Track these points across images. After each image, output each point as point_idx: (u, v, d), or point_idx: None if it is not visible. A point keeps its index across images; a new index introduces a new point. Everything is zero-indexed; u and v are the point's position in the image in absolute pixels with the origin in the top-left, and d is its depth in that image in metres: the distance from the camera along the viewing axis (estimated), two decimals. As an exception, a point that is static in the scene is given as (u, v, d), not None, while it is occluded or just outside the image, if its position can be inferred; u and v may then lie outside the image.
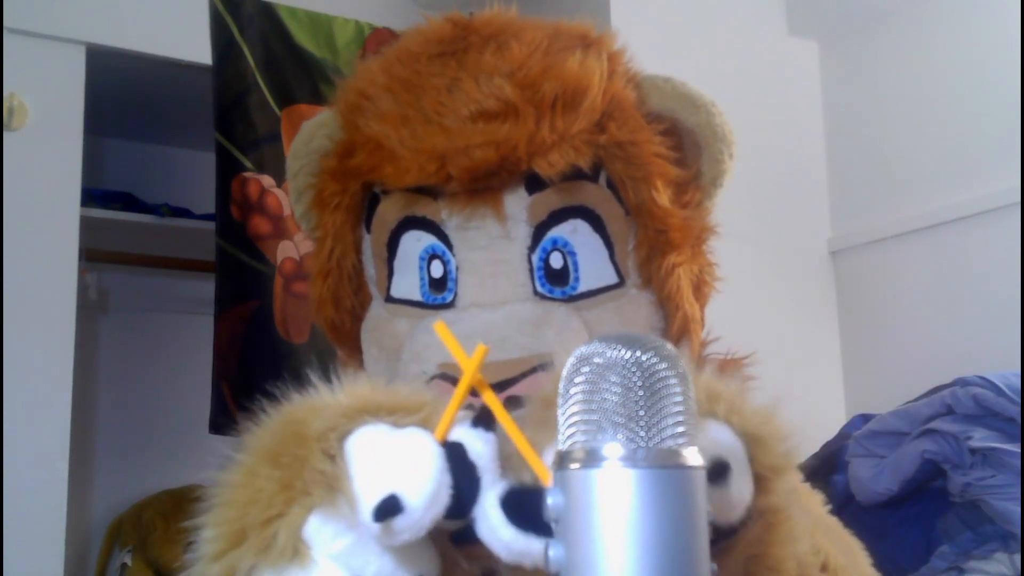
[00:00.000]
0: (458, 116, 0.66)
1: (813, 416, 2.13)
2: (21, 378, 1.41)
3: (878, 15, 2.18)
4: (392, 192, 0.70)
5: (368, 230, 0.74)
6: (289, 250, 1.63)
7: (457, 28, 0.72)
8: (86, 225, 1.57)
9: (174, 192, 2.13)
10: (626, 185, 0.70)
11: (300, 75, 1.69)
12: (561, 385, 0.48)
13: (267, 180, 1.62)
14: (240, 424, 1.50)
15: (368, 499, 0.49)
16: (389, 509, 0.48)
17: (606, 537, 0.43)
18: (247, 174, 1.60)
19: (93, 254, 1.81)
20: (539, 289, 0.69)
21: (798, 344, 2.21)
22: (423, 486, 0.49)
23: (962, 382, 1.42)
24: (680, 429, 0.46)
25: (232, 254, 1.59)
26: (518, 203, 0.69)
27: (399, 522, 0.48)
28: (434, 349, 0.65)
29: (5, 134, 1.46)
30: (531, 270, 0.70)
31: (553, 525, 0.46)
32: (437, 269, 0.71)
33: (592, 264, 0.71)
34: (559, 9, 2.46)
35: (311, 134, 0.77)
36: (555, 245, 0.70)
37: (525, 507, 0.50)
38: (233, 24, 1.63)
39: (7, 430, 1.39)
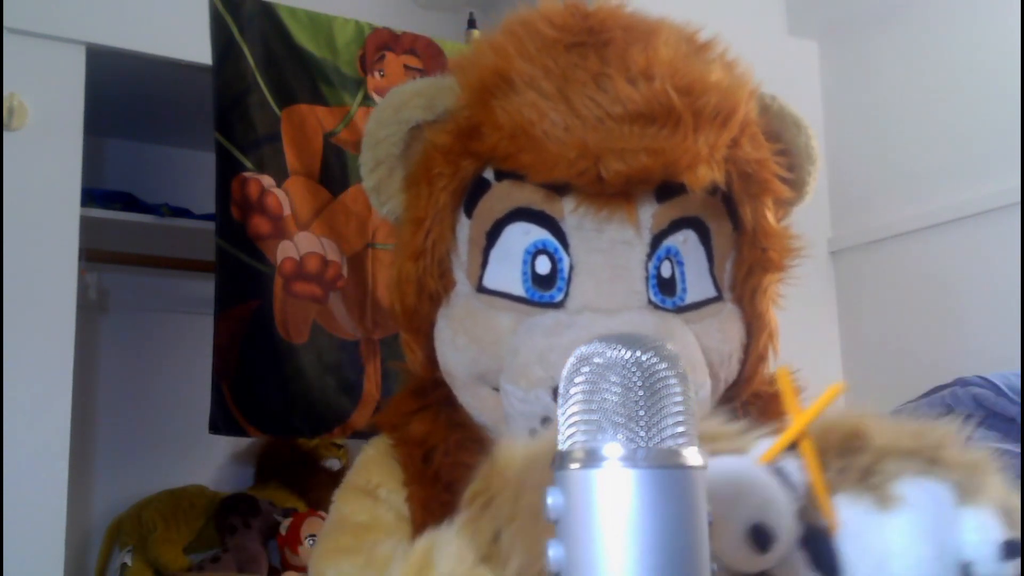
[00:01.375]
0: (612, 114, 0.63)
1: (813, 416, 2.13)
2: (21, 378, 1.41)
3: (878, 15, 2.18)
4: (510, 180, 0.67)
5: (468, 215, 0.71)
6: (289, 250, 1.63)
7: (582, 18, 0.70)
8: (86, 225, 1.57)
9: (174, 192, 2.13)
10: (744, 201, 0.70)
11: (300, 75, 1.69)
12: (561, 385, 0.48)
13: (267, 180, 1.62)
14: (240, 424, 1.49)
15: (736, 528, 0.47)
16: (761, 539, 0.46)
17: (606, 537, 0.43)
18: (247, 174, 1.60)
19: (93, 254, 1.81)
20: (652, 298, 0.69)
21: (798, 344, 2.20)
22: (786, 515, 0.47)
23: (962, 382, 1.42)
24: (680, 429, 0.46)
25: (232, 254, 1.59)
26: (647, 210, 0.68)
27: (773, 551, 0.46)
28: (560, 354, 0.62)
29: (5, 134, 1.46)
30: (647, 278, 0.69)
31: (553, 525, 0.46)
32: (543, 265, 0.68)
33: (695, 276, 0.71)
34: (559, 9, 2.46)
35: (403, 102, 0.73)
36: (668, 254, 0.69)
37: (823, 553, 0.48)
38: (233, 24, 1.63)
39: (7, 430, 1.39)
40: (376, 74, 1.76)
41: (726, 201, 0.71)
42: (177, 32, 1.62)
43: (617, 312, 0.67)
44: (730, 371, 0.72)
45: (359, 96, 1.74)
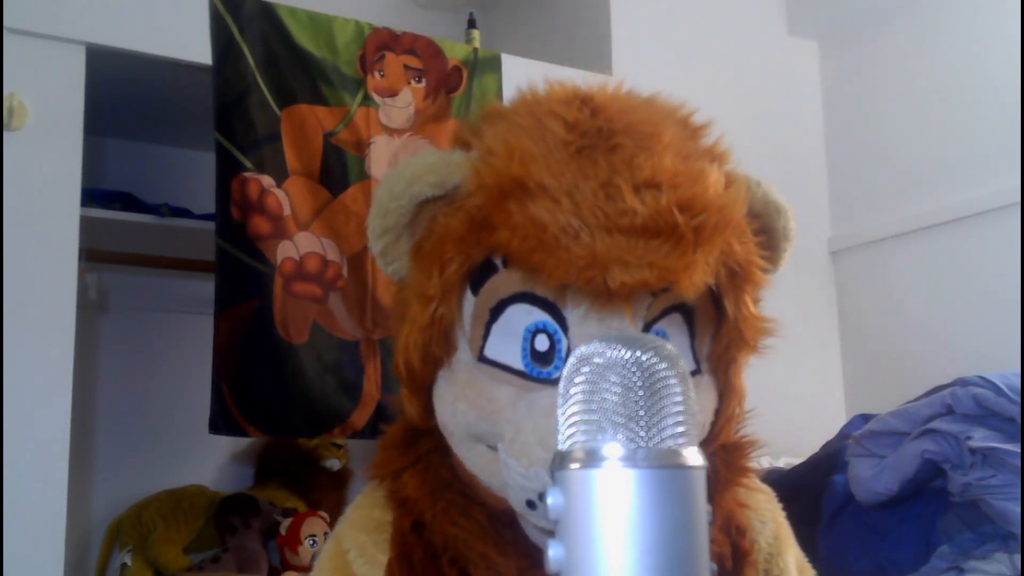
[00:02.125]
0: (619, 225, 0.68)
1: (813, 416, 2.13)
2: (21, 378, 1.41)
3: (878, 15, 2.18)
4: (523, 270, 0.73)
5: (474, 292, 0.77)
6: (289, 250, 1.63)
7: (591, 113, 0.75)
8: (86, 225, 1.57)
9: (174, 192, 2.12)
10: (728, 294, 0.76)
11: (300, 75, 1.69)
12: (561, 385, 0.48)
13: (267, 180, 1.62)
14: (240, 424, 1.53)
15: None
16: None
17: (606, 537, 0.43)
18: (247, 174, 1.60)
19: (93, 254, 1.81)
20: None
21: (798, 344, 2.21)
22: None
23: (962, 382, 1.42)
24: (680, 429, 0.46)
25: (232, 254, 1.59)
26: (642, 302, 0.73)
27: None
28: (555, 435, 0.68)
29: (5, 134, 1.45)
30: None
31: (553, 525, 0.46)
32: (542, 343, 0.74)
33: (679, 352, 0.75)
34: (560, 10, 2.47)
35: (413, 177, 0.77)
36: (656, 335, 0.72)
37: None
38: (233, 24, 1.63)
39: (7, 430, 1.39)
40: (376, 74, 1.76)
41: (711, 288, 0.77)
42: (177, 32, 1.62)
43: None
44: (703, 434, 0.78)
45: (359, 96, 1.74)
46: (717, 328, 0.78)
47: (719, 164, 0.78)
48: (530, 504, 0.71)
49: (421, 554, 0.77)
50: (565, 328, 0.73)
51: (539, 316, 0.74)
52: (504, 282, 0.74)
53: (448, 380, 0.78)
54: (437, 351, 0.77)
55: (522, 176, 0.71)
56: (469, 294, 0.77)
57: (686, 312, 0.76)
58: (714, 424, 0.80)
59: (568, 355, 0.72)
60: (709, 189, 0.72)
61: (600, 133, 0.73)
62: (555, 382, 0.70)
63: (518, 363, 0.74)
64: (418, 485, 0.79)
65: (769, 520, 0.88)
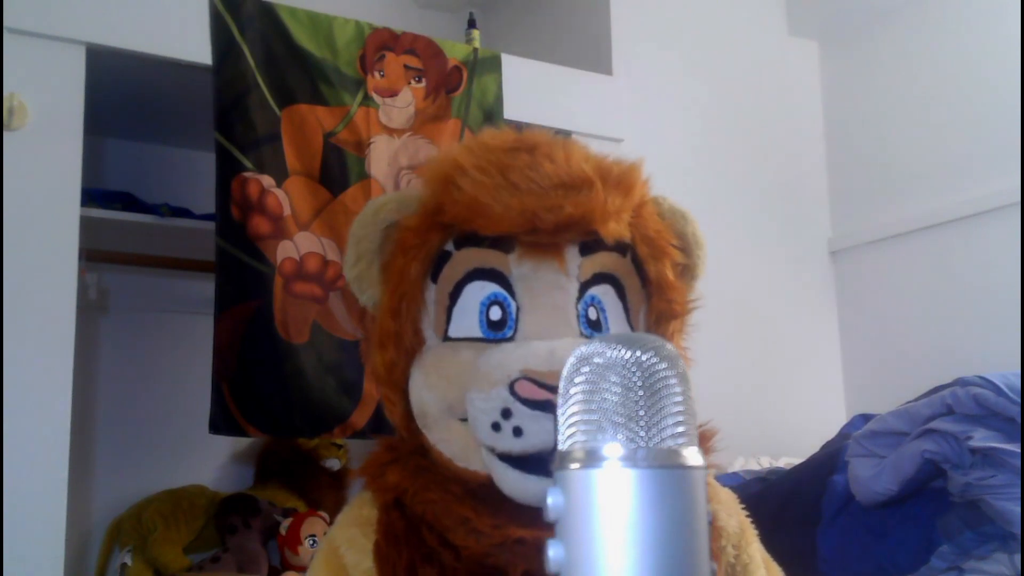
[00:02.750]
0: (543, 185, 0.83)
1: (813, 416, 2.13)
2: (21, 378, 1.41)
3: (878, 15, 2.19)
4: (466, 248, 0.86)
5: (434, 281, 0.88)
6: (289, 250, 1.63)
7: (515, 136, 0.90)
8: (86, 225, 1.57)
9: (174, 192, 2.12)
10: (647, 262, 0.90)
11: (300, 75, 1.69)
12: (561, 385, 0.48)
13: (267, 180, 1.62)
14: (240, 424, 1.55)
15: None
16: None
17: (606, 537, 0.43)
18: (247, 174, 1.60)
19: (93, 254, 1.81)
20: (583, 332, 0.86)
21: (798, 344, 2.21)
22: None
23: (962, 382, 1.42)
24: (680, 429, 0.46)
25: (232, 254, 1.59)
26: (573, 261, 0.87)
27: None
28: (514, 360, 0.81)
29: (5, 134, 1.45)
30: (578, 316, 0.87)
31: (553, 525, 0.46)
32: (495, 313, 0.86)
33: (615, 322, 0.89)
34: (560, 10, 2.47)
35: (379, 207, 0.91)
36: (592, 301, 0.88)
37: None
38: (233, 24, 1.63)
39: (7, 430, 1.39)
40: (376, 74, 1.76)
41: (635, 264, 0.90)
42: (177, 32, 1.62)
43: (557, 339, 0.83)
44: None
45: (359, 96, 1.74)
46: (648, 302, 0.91)
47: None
48: (495, 427, 0.78)
49: (403, 527, 0.84)
50: (513, 294, 0.85)
51: (490, 289, 0.86)
52: (457, 264, 0.87)
53: (419, 366, 0.88)
54: (408, 339, 0.88)
55: (460, 162, 0.86)
56: (431, 284, 0.88)
57: (617, 286, 0.89)
58: None
59: (518, 315, 0.85)
60: (616, 164, 0.88)
61: (522, 141, 0.88)
62: (509, 339, 0.85)
63: (477, 332, 0.85)
64: (398, 471, 0.87)
65: (734, 513, 0.95)
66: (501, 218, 0.82)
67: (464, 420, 0.83)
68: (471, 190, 0.84)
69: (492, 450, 0.81)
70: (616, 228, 0.85)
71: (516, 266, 0.86)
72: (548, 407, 0.75)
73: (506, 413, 0.78)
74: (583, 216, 0.83)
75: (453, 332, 0.87)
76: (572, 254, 0.87)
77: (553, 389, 0.72)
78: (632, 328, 0.90)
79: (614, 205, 0.85)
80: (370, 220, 0.90)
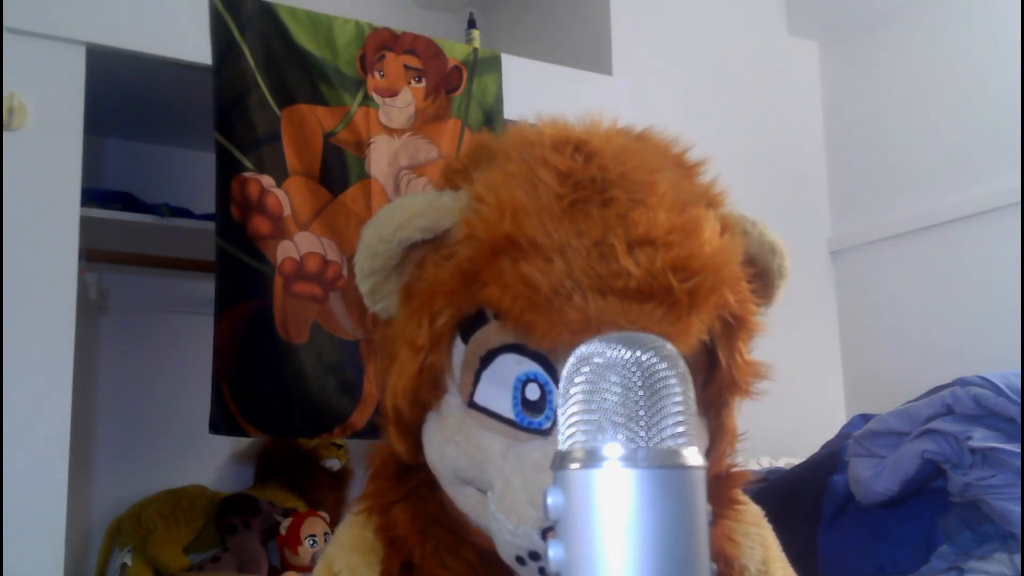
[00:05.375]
0: (613, 287, 0.67)
1: (813, 416, 2.13)
2: (21, 378, 1.41)
3: (878, 15, 2.19)
4: (506, 323, 0.72)
5: (464, 340, 0.76)
6: (289, 250, 1.62)
7: (584, 159, 0.73)
8: (86, 225, 1.56)
9: (174, 192, 2.12)
10: (722, 346, 0.75)
11: (300, 75, 1.69)
12: (561, 385, 0.48)
13: (267, 180, 1.62)
14: (240, 424, 1.51)
15: None
16: None
17: (606, 537, 0.43)
18: (247, 174, 1.60)
19: (93, 254, 1.81)
20: None
21: (798, 344, 2.21)
22: None
23: (962, 382, 1.42)
24: (680, 429, 0.46)
25: (232, 254, 1.59)
26: None
27: None
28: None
29: (5, 134, 1.45)
30: None
31: (554, 525, 0.46)
32: (533, 392, 0.73)
33: None
34: (560, 10, 2.47)
35: (403, 222, 0.76)
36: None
37: None
38: (233, 24, 1.63)
39: (7, 430, 1.39)
40: (376, 74, 1.76)
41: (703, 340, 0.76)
42: (177, 32, 1.62)
43: None
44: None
45: (359, 96, 1.74)
46: (709, 374, 0.77)
47: (715, 209, 0.77)
48: (519, 560, 0.70)
49: None
50: (556, 378, 0.71)
51: (530, 367, 0.73)
52: (495, 334, 0.74)
53: (437, 423, 0.77)
54: (426, 396, 0.77)
55: (514, 233, 0.70)
56: (459, 343, 0.76)
57: None
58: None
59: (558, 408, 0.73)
60: (704, 246, 0.70)
61: (594, 184, 0.72)
62: (545, 432, 0.72)
63: (508, 411, 0.73)
64: (408, 521, 0.79)
65: (758, 545, 0.88)
66: (557, 330, 0.68)
67: (482, 491, 0.75)
68: (524, 282, 0.68)
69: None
70: (695, 341, 0.70)
71: (564, 355, 0.72)
72: None
73: (534, 556, 0.69)
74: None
75: (480, 399, 0.75)
76: None
77: None
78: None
79: (699, 320, 0.69)
80: (391, 236, 0.77)
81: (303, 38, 1.69)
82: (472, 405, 0.75)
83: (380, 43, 1.77)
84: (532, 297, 0.68)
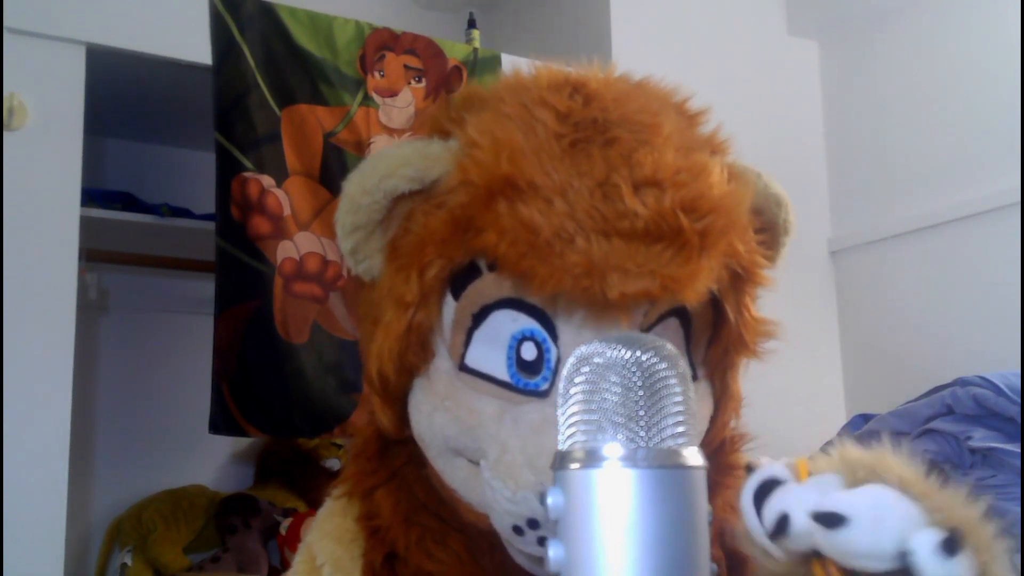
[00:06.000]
0: (618, 229, 0.62)
1: (813, 416, 2.13)
2: (21, 378, 1.41)
3: (878, 15, 2.18)
4: (503, 272, 0.67)
5: (455, 296, 0.70)
6: (289, 250, 1.62)
7: (584, 101, 0.69)
8: (86, 225, 1.57)
9: (174, 192, 2.12)
10: (729, 298, 0.70)
11: (300, 75, 1.69)
12: (561, 385, 0.48)
13: (267, 180, 1.62)
14: (240, 424, 1.48)
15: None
16: None
17: (606, 537, 0.43)
18: (247, 174, 1.60)
19: (93, 254, 1.81)
20: None
21: (798, 344, 2.20)
22: None
23: (962, 382, 1.42)
24: (680, 429, 0.46)
25: (232, 254, 1.59)
26: (640, 310, 0.67)
27: None
28: (547, 458, 0.59)
29: (5, 134, 1.45)
30: None
31: (553, 525, 0.46)
32: (529, 351, 0.68)
33: None
34: (560, 10, 2.47)
35: (388, 171, 0.71)
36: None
37: None
38: (233, 24, 1.63)
39: (7, 430, 1.39)
40: (376, 74, 1.76)
41: (711, 291, 0.70)
42: (177, 32, 1.62)
43: None
44: (698, 441, 0.75)
45: (359, 96, 1.74)
46: (715, 331, 0.73)
47: (720, 156, 0.73)
48: (517, 530, 0.65)
49: None
50: (555, 336, 0.67)
51: (526, 323, 0.68)
52: (489, 287, 0.68)
53: (425, 390, 0.72)
54: (414, 359, 0.72)
55: (512, 174, 0.65)
56: (450, 299, 0.71)
57: (683, 316, 0.70)
58: (709, 431, 0.75)
59: (557, 365, 0.67)
60: (714, 187, 0.66)
61: (595, 125, 0.67)
62: (542, 394, 0.67)
63: (503, 373, 0.68)
64: (391, 508, 0.74)
65: None
66: (559, 275, 0.62)
67: (474, 463, 0.70)
68: (523, 226, 0.63)
69: (509, 543, 0.69)
70: (705, 289, 0.65)
71: (565, 311, 0.67)
72: None
73: (533, 524, 0.64)
74: (666, 287, 0.62)
75: (472, 361, 0.70)
76: (639, 304, 0.67)
77: None
78: (692, 361, 0.72)
79: (709, 264, 0.64)
80: (376, 187, 0.71)
81: (303, 38, 1.69)
82: (463, 368, 0.70)
83: (380, 43, 1.77)
84: (532, 241, 0.62)
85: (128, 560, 1.97)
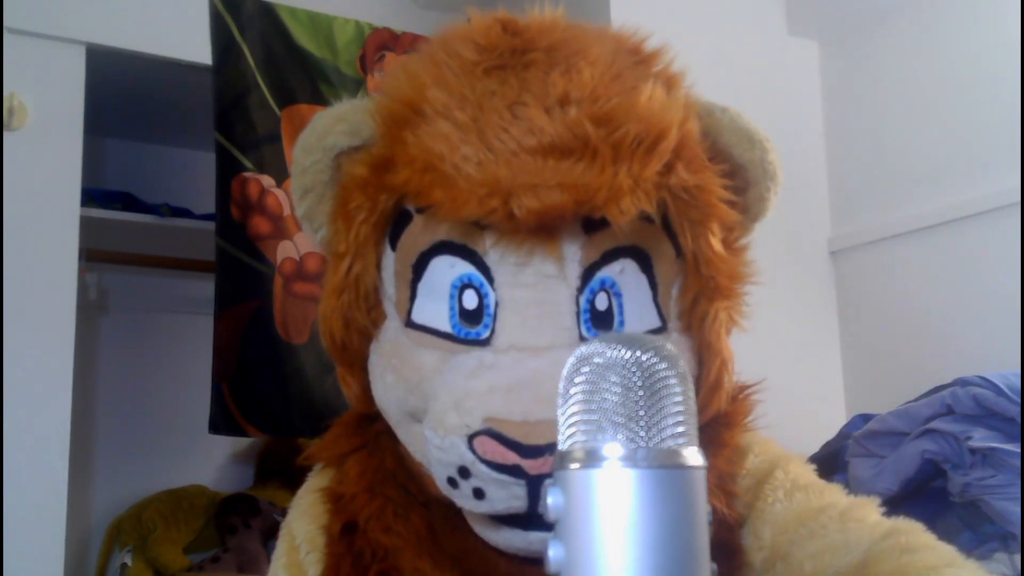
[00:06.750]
0: (525, 146, 0.59)
1: (813, 416, 2.13)
2: (21, 378, 1.41)
3: (878, 15, 2.18)
4: (430, 212, 0.64)
5: (393, 247, 0.68)
6: (289, 250, 1.63)
7: (510, 35, 0.65)
8: (86, 225, 1.57)
9: (174, 192, 2.13)
10: (684, 228, 0.65)
11: (300, 75, 1.69)
12: (561, 385, 0.48)
13: (267, 180, 1.62)
14: (240, 424, 1.48)
15: None
16: None
17: (606, 537, 0.43)
18: (247, 174, 1.60)
19: (93, 254, 1.81)
20: (584, 334, 0.64)
21: (798, 344, 2.21)
22: None
23: (962, 382, 1.42)
24: (680, 429, 0.46)
25: (232, 254, 1.59)
26: (573, 242, 0.63)
27: None
28: (477, 399, 0.60)
29: (5, 134, 1.46)
30: (578, 313, 0.64)
31: (553, 525, 0.46)
32: (471, 300, 0.65)
33: (636, 306, 0.66)
34: (559, 10, 2.46)
35: (326, 128, 0.69)
36: (603, 286, 0.65)
37: None
38: (233, 24, 1.63)
39: (7, 430, 1.39)
40: (376, 74, 1.76)
41: (666, 227, 0.66)
42: (177, 32, 1.62)
43: (545, 350, 0.62)
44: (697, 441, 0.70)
45: (359, 96, 1.74)
46: (684, 277, 0.68)
47: (667, 86, 0.67)
48: (451, 482, 0.61)
49: (349, 567, 0.69)
50: (491, 280, 0.64)
51: (463, 268, 0.64)
52: (421, 231, 0.65)
53: (377, 352, 0.70)
54: (360, 318, 0.70)
55: (416, 99, 0.62)
56: (389, 251, 0.68)
57: (640, 258, 0.66)
58: (697, 394, 0.67)
59: (496, 311, 0.64)
60: (638, 100, 0.61)
61: (515, 53, 0.63)
62: (483, 342, 0.64)
63: (446, 325, 0.65)
64: (357, 476, 0.71)
65: (760, 453, 0.77)
66: (464, 198, 0.59)
67: None
68: (428, 149, 0.60)
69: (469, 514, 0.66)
70: (631, 207, 0.59)
71: (493, 247, 0.63)
72: (517, 472, 0.58)
73: (463, 472, 0.60)
74: (580, 201, 0.59)
75: (418, 316, 0.67)
76: (573, 233, 0.63)
77: (526, 450, 0.57)
78: (662, 312, 0.67)
79: (631, 176, 0.59)
80: (315, 145, 0.69)
81: (303, 38, 1.69)
82: (409, 324, 0.67)
83: (380, 43, 1.77)
84: (438, 167, 0.59)
85: (128, 560, 1.97)
